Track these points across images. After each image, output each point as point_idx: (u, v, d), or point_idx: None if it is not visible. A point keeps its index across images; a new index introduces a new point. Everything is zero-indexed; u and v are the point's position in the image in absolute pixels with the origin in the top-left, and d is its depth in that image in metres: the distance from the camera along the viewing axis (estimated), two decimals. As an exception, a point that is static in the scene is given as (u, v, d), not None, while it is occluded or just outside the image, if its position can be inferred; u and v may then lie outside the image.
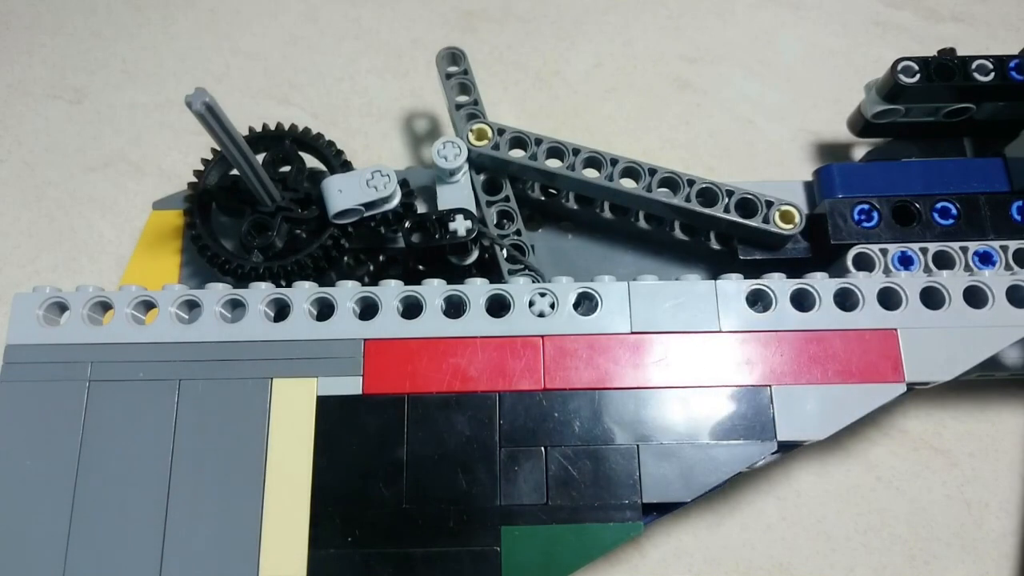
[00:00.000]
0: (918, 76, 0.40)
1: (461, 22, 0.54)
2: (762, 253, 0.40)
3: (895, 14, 0.54)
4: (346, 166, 0.40)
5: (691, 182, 0.39)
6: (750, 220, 0.38)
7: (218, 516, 0.30)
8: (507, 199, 0.40)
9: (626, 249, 0.43)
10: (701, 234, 0.41)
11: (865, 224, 0.39)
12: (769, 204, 0.39)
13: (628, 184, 0.39)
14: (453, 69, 0.43)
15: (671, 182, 0.39)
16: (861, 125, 0.44)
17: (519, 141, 0.40)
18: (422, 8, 0.55)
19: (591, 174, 0.40)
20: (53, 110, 0.51)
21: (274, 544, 0.30)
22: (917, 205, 0.39)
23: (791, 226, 0.38)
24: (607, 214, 0.42)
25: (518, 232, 0.40)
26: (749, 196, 0.39)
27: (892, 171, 0.40)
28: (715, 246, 0.42)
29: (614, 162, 0.39)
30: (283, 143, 0.40)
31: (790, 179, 0.44)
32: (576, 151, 0.40)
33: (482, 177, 0.41)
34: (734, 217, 0.39)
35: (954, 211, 0.39)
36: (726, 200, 0.39)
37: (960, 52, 0.42)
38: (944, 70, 0.40)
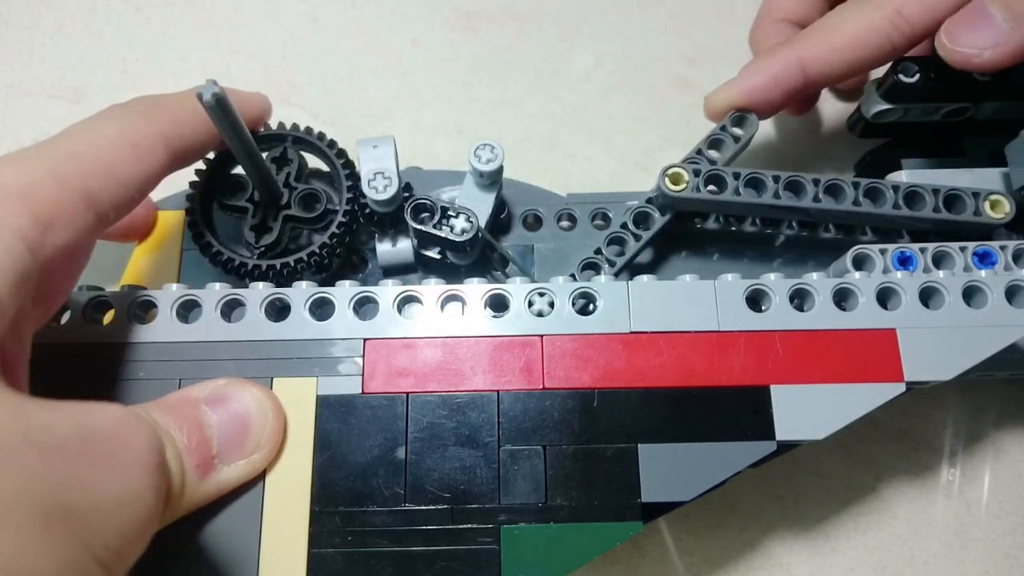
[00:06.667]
0: (918, 76, 0.40)
1: (461, 22, 0.54)
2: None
3: (895, 14, 0.54)
4: (347, 166, 0.40)
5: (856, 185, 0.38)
6: (961, 216, 0.38)
7: (217, 515, 0.30)
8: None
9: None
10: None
11: None
12: (976, 195, 0.38)
13: (829, 203, 0.38)
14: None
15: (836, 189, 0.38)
16: (861, 125, 0.44)
17: (716, 179, 0.39)
18: (422, 8, 0.55)
19: (791, 200, 0.38)
20: (53, 110, 0.51)
21: (274, 543, 0.30)
22: None
23: (1003, 215, 0.38)
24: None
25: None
26: (956, 192, 0.38)
27: None
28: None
29: (816, 182, 0.38)
30: (283, 143, 0.40)
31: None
32: (776, 178, 0.38)
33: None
34: (945, 216, 0.38)
35: None
36: (934, 200, 0.38)
37: (960, 52, 0.41)
38: (944, 70, 0.40)
